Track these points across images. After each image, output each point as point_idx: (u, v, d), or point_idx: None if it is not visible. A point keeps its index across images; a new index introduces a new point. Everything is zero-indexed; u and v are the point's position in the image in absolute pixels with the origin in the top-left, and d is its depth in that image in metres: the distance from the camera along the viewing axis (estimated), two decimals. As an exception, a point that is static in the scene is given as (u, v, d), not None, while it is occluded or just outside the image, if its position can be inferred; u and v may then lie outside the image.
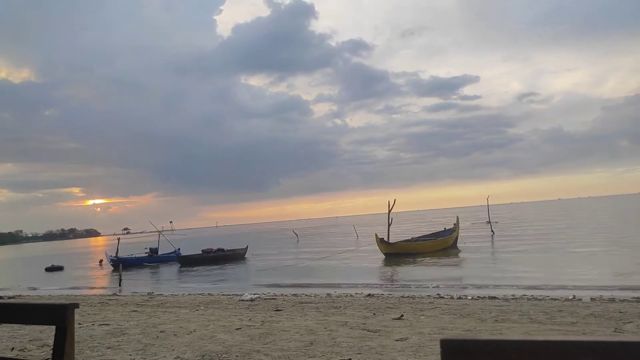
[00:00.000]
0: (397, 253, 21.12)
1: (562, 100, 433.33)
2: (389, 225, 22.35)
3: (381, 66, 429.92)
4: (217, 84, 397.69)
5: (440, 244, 23.02)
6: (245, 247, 29.34)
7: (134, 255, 29.70)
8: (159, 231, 34.66)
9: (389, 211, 22.70)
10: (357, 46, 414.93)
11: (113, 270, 24.34)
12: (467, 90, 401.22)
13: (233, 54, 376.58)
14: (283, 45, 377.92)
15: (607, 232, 27.09)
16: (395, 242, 22.29)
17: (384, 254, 21.20)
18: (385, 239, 21.56)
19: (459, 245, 23.89)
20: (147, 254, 29.71)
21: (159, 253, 29.81)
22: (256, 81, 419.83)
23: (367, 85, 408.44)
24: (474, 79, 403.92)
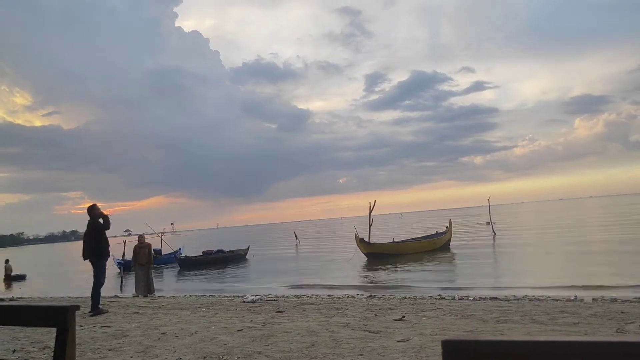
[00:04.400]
0: (377, 253, 21.03)
1: (536, 106, 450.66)
2: (370, 225, 22.22)
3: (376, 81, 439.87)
4: (220, 91, 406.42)
5: (426, 246, 22.68)
6: (247, 247, 29.26)
7: None
8: (157, 233, 34.64)
9: (370, 212, 22.58)
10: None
11: (119, 273, 24.32)
12: (461, 99, 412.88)
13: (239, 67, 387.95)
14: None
15: (606, 231, 27.05)
16: (375, 243, 22.12)
17: (364, 254, 21.18)
18: (366, 239, 21.49)
19: (451, 247, 23.57)
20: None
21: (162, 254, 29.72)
22: (258, 90, 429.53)
23: (361, 95, 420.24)
24: (464, 90, 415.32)
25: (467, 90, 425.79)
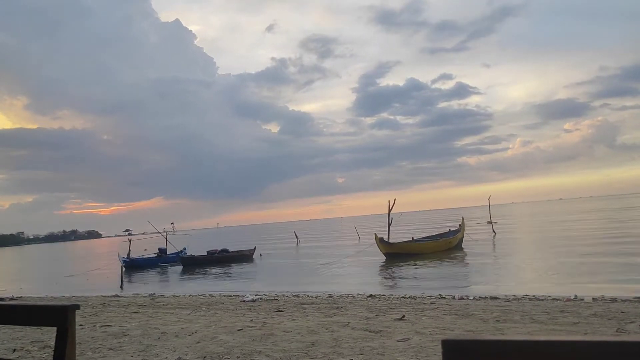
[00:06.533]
0: (397, 253, 20.89)
1: (524, 108, 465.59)
2: (389, 225, 22.10)
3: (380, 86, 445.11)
4: (219, 94, 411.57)
5: (443, 245, 22.60)
6: (253, 248, 29.18)
7: (143, 256, 29.70)
8: (159, 232, 34.65)
9: (389, 211, 22.45)
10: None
11: (125, 271, 24.30)
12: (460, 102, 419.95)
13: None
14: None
15: (607, 232, 27.05)
16: (394, 242, 22.01)
17: (384, 253, 20.99)
18: (385, 238, 21.33)
19: (464, 246, 23.52)
20: (156, 255, 29.67)
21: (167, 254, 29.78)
22: (257, 93, 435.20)
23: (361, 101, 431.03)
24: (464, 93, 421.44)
25: (460, 94, 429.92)
